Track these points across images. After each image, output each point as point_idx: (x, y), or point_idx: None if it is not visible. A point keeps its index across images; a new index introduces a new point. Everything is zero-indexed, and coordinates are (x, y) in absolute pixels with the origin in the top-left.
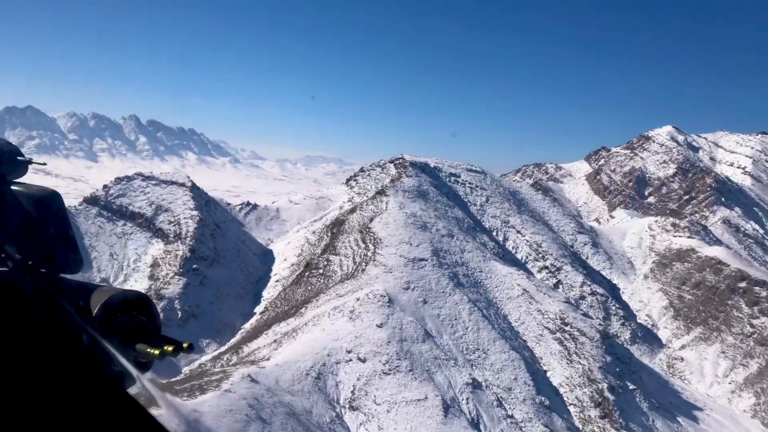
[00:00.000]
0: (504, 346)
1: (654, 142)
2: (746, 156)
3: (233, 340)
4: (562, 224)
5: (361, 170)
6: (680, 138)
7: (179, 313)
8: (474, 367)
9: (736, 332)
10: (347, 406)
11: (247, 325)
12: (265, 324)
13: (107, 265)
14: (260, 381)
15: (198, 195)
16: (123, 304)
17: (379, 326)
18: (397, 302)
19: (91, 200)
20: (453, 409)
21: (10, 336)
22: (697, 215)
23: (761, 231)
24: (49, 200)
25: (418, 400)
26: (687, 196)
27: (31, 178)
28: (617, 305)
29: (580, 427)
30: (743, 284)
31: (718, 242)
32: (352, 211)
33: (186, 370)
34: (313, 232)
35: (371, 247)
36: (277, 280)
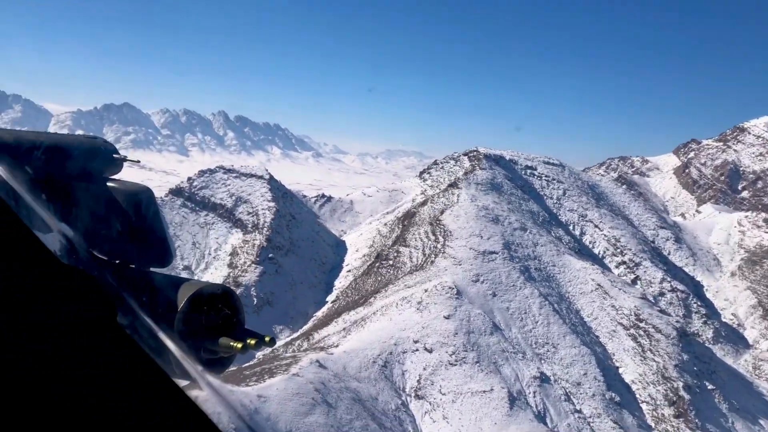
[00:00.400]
0: (575, 341)
1: (750, 133)
2: None
3: (305, 327)
4: (644, 219)
5: (435, 163)
6: None
7: (255, 300)
8: (542, 361)
9: None
10: (413, 394)
11: (319, 313)
12: (335, 312)
13: (190, 254)
14: (328, 367)
15: (275, 187)
16: (209, 298)
17: (447, 317)
18: (466, 294)
19: (176, 192)
20: (519, 401)
21: (85, 331)
22: None
23: None
24: (143, 197)
25: (484, 391)
26: None
27: (127, 171)
28: (699, 303)
29: (653, 425)
30: None
31: None
32: (424, 203)
33: (259, 355)
34: (385, 224)
35: (441, 239)
36: (349, 270)
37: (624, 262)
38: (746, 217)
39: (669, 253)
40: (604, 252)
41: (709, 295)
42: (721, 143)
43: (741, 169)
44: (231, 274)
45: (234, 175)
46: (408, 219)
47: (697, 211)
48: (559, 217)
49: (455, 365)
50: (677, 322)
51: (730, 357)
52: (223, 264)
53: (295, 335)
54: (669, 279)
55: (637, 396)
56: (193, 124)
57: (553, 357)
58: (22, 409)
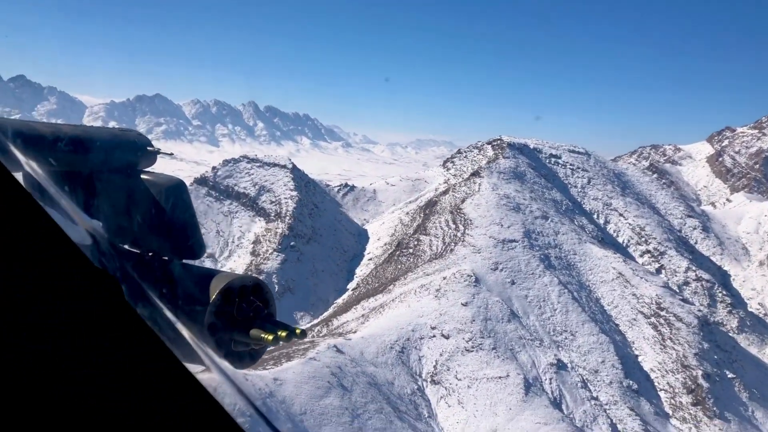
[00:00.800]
0: (593, 329)
1: None
2: None
3: (325, 314)
4: (671, 208)
5: (458, 152)
6: None
7: (276, 287)
8: (560, 349)
9: None
10: (429, 379)
11: (339, 300)
12: (355, 299)
13: (214, 242)
14: (345, 352)
15: (298, 176)
16: (240, 290)
17: (464, 305)
18: (484, 282)
19: (201, 181)
20: (535, 387)
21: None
22: None
23: None
24: (176, 189)
25: (500, 377)
26: None
27: (158, 161)
28: (725, 292)
29: (670, 413)
30: None
31: None
32: (445, 192)
33: None
34: (407, 213)
35: (461, 227)
36: (370, 259)
37: (648, 251)
38: None
39: (696, 242)
40: (629, 241)
41: (735, 284)
42: (757, 131)
43: None
44: (253, 262)
45: (257, 164)
46: (429, 208)
47: (727, 200)
48: (583, 206)
49: (471, 351)
50: (699, 311)
51: (754, 347)
52: (246, 252)
53: (315, 321)
54: (694, 268)
55: (656, 384)
56: (223, 114)
57: (571, 344)
58: (23, 409)
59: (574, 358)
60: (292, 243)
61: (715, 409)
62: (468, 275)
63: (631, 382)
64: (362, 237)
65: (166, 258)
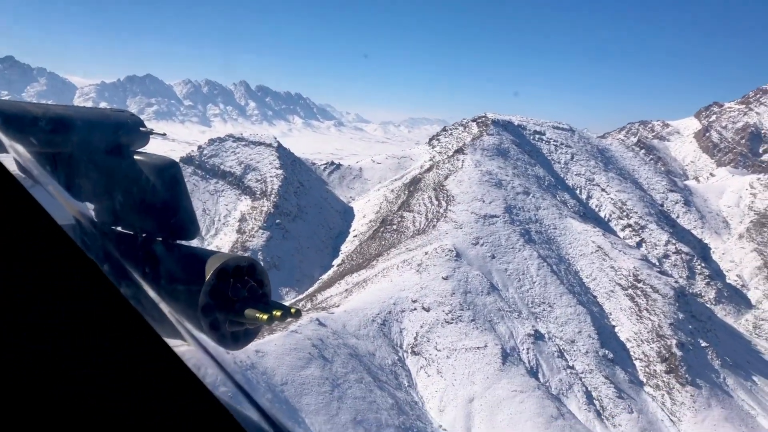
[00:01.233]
0: (571, 301)
1: None
2: None
3: (310, 289)
4: (653, 182)
5: (444, 129)
6: None
7: (262, 263)
8: (538, 320)
9: None
10: (409, 350)
11: (324, 276)
12: (339, 275)
13: (200, 221)
14: (328, 325)
15: (284, 155)
16: (235, 270)
17: (445, 278)
18: (465, 257)
19: (187, 160)
20: (512, 357)
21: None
22: None
23: None
24: (169, 170)
25: (478, 347)
26: None
27: (150, 142)
28: (704, 265)
29: (644, 380)
30: None
31: None
32: (429, 169)
33: None
34: (392, 191)
35: (444, 204)
36: (355, 236)
37: (629, 225)
38: (758, 179)
39: (677, 216)
40: (610, 215)
41: (715, 257)
42: (743, 106)
43: (763, 132)
44: (239, 240)
45: (243, 143)
46: (414, 185)
47: (711, 174)
48: (566, 182)
49: (451, 323)
50: (676, 282)
51: (731, 317)
52: (232, 230)
53: (300, 297)
54: (674, 241)
55: (632, 353)
56: (214, 94)
57: (549, 316)
58: (23, 409)
59: (552, 329)
60: (277, 221)
61: (687, 376)
62: (449, 250)
63: (606, 351)
64: (348, 214)
65: (160, 239)
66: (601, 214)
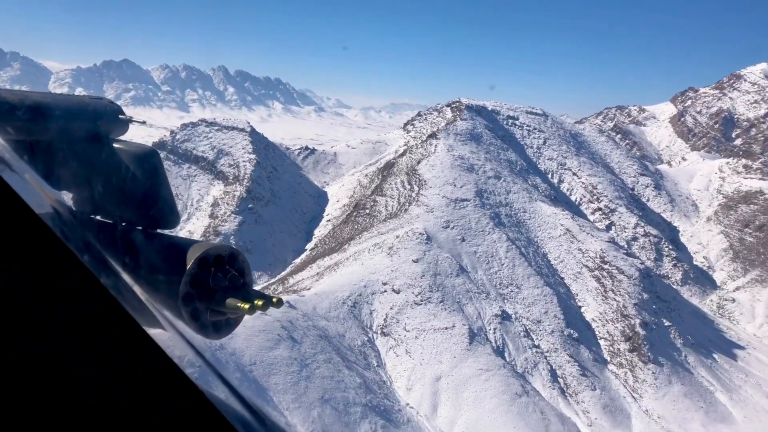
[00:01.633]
0: (538, 282)
1: (746, 80)
2: None
3: (282, 273)
4: (625, 166)
5: (419, 114)
6: None
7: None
8: (505, 301)
9: None
10: (379, 332)
11: (297, 260)
12: (311, 259)
13: None
14: (298, 307)
15: (257, 140)
16: (216, 259)
17: (415, 261)
18: (435, 240)
19: (159, 145)
20: (479, 337)
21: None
22: None
23: None
24: (149, 158)
25: (446, 328)
26: None
27: (129, 128)
28: (671, 247)
29: (608, 359)
30: None
31: None
32: (403, 154)
33: None
34: (366, 175)
35: (416, 188)
36: (329, 220)
37: (600, 209)
38: (727, 163)
39: (648, 200)
40: (581, 199)
41: (683, 239)
42: (718, 91)
43: (735, 116)
44: (211, 224)
45: (216, 128)
46: (387, 170)
47: (683, 158)
48: (538, 166)
49: (420, 305)
50: (642, 264)
51: (696, 297)
52: (204, 215)
53: (273, 281)
54: (643, 224)
55: (597, 333)
56: (193, 79)
57: (516, 297)
58: (23, 409)
59: (519, 310)
60: (250, 205)
61: (649, 354)
62: (420, 233)
63: (572, 331)
64: (322, 199)
65: (140, 228)
66: (572, 198)
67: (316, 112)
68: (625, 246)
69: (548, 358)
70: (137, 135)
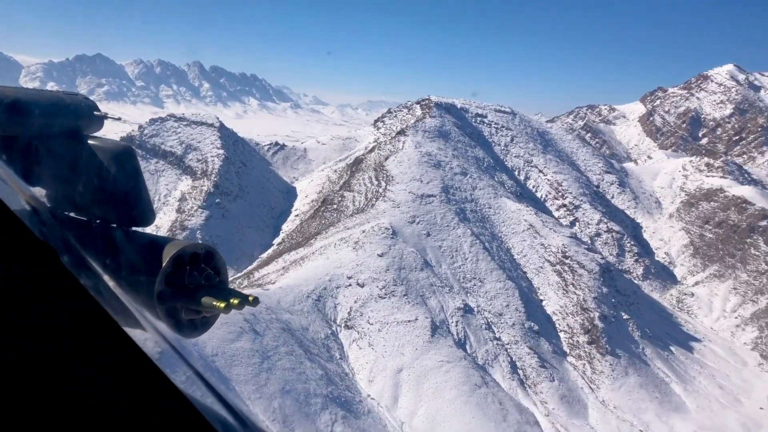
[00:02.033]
0: (501, 276)
1: (712, 81)
2: None
3: (248, 268)
4: (590, 164)
5: (389, 111)
6: (741, 77)
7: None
8: (468, 294)
9: (751, 270)
10: (342, 325)
11: (264, 255)
12: (278, 253)
13: None
14: (262, 301)
15: (225, 135)
16: (191, 258)
17: (380, 255)
18: (401, 234)
19: (127, 139)
20: (441, 330)
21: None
22: (744, 156)
23: None
24: (124, 155)
25: (408, 321)
26: (737, 137)
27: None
28: (633, 243)
29: (568, 351)
30: (764, 223)
31: (753, 183)
32: (372, 150)
33: None
34: (335, 171)
35: (383, 183)
36: (297, 215)
37: (564, 205)
38: (690, 161)
39: (612, 197)
40: (546, 195)
41: (646, 235)
42: (685, 91)
43: (702, 116)
44: (178, 219)
45: (184, 123)
46: (356, 165)
47: (648, 157)
48: (505, 163)
49: (384, 298)
50: (602, 258)
51: (657, 292)
52: (171, 209)
53: (239, 275)
54: (606, 221)
55: (557, 326)
56: (167, 75)
57: (479, 290)
58: (23, 409)
59: (481, 303)
60: (217, 200)
61: (607, 346)
62: (386, 228)
63: (532, 323)
64: (290, 194)
65: (114, 226)
66: (538, 195)
67: (292, 108)
68: (588, 242)
69: (509, 350)
70: (109, 130)
